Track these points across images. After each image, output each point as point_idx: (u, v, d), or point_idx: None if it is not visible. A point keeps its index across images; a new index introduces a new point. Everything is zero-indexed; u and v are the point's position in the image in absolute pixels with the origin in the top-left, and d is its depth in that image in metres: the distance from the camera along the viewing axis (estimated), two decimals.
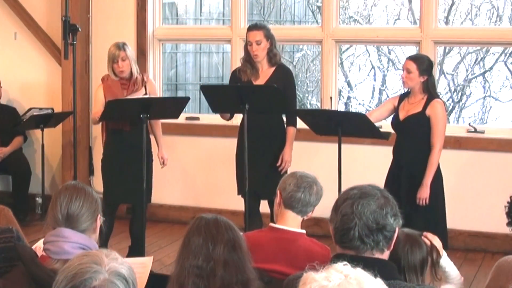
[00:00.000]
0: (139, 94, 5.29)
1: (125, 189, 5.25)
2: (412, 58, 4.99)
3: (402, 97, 5.07)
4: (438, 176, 4.94)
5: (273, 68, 5.25)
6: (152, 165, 5.42)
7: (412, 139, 4.89)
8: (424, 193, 4.85)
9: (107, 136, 5.37)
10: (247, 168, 5.01)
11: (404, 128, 4.93)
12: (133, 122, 5.23)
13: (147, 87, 5.37)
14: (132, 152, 5.20)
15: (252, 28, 5.29)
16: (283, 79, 5.20)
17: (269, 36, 5.22)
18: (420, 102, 4.92)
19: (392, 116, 5.10)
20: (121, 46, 5.27)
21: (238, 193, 5.26)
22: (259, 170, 5.06)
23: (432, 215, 4.94)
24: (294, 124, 5.26)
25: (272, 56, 5.24)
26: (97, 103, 5.32)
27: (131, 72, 5.30)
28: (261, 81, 5.22)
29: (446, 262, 3.01)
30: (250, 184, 5.00)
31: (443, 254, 3.00)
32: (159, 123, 5.57)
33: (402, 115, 4.96)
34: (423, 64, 4.91)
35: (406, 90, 5.12)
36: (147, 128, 5.39)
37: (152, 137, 5.52)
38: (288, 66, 6.80)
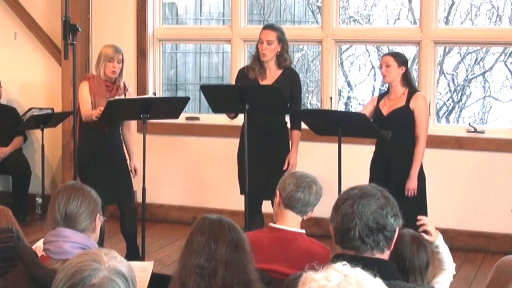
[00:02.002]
0: None
1: (107, 190, 5.21)
2: (388, 54, 5.21)
3: (381, 96, 5.20)
4: (421, 171, 5.04)
5: (281, 71, 5.26)
6: (127, 165, 5.43)
7: (397, 133, 4.94)
8: (412, 184, 4.97)
9: (84, 137, 5.27)
10: (249, 168, 5.03)
11: (388, 123, 4.98)
12: (113, 124, 5.24)
13: (126, 95, 5.37)
14: (109, 153, 5.23)
15: (267, 27, 5.30)
16: (290, 82, 5.21)
17: (281, 40, 5.22)
18: (401, 97, 5.04)
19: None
20: (119, 50, 5.30)
21: (241, 193, 5.26)
22: (261, 170, 5.07)
23: (420, 208, 5.00)
24: (299, 128, 5.26)
25: (282, 60, 5.24)
26: (86, 101, 5.24)
27: (116, 78, 5.31)
28: (267, 82, 5.21)
29: (441, 243, 2.99)
30: (252, 184, 5.01)
31: (439, 235, 2.99)
32: (131, 131, 5.56)
33: (385, 111, 5.05)
34: (400, 56, 5.09)
35: (386, 88, 5.19)
36: (120, 131, 5.43)
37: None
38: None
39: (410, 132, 4.99)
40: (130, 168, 5.47)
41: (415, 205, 4.94)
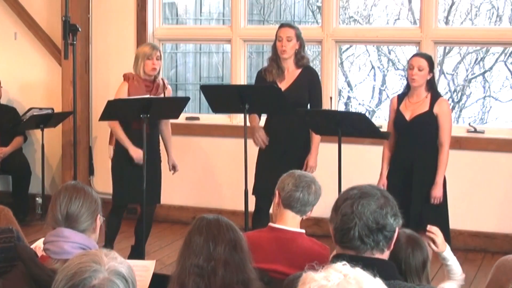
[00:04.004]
0: None
1: (137, 189, 5.22)
2: (422, 56, 4.98)
3: (401, 97, 5.03)
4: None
5: (300, 70, 5.24)
6: (161, 167, 5.42)
7: (420, 139, 4.87)
8: (438, 192, 4.86)
9: (128, 136, 5.29)
10: (266, 169, 5.13)
11: (412, 128, 4.89)
12: (151, 125, 5.24)
13: (165, 93, 5.39)
14: (147, 154, 5.22)
15: (284, 25, 5.31)
16: (309, 81, 5.21)
17: (299, 37, 5.21)
18: (424, 101, 4.91)
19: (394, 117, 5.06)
20: (157, 47, 5.36)
21: (252, 193, 5.27)
22: (278, 172, 5.05)
23: (443, 214, 4.96)
24: None
25: (300, 58, 5.23)
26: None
27: (156, 75, 5.33)
28: (286, 82, 5.21)
29: (449, 255, 2.99)
30: (266, 185, 5.00)
31: (447, 247, 2.99)
32: (169, 129, 5.55)
33: (408, 116, 4.93)
34: (432, 62, 4.95)
35: (403, 89, 5.10)
36: (158, 130, 5.42)
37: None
38: None
39: (433, 138, 4.89)
40: (168, 166, 5.49)
41: (438, 212, 4.88)
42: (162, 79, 5.44)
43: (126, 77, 5.36)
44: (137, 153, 5.20)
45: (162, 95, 5.35)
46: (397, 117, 4.98)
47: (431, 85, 4.93)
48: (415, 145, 4.88)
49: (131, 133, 5.28)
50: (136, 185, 5.18)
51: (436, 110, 4.87)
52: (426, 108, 4.89)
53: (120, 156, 5.34)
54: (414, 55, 5.03)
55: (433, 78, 4.94)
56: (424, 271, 2.85)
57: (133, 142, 5.26)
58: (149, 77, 5.30)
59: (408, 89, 4.99)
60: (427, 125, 4.88)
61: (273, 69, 5.22)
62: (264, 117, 5.47)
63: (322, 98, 5.40)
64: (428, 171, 4.88)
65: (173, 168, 5.56)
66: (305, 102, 5.21)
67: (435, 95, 4.92)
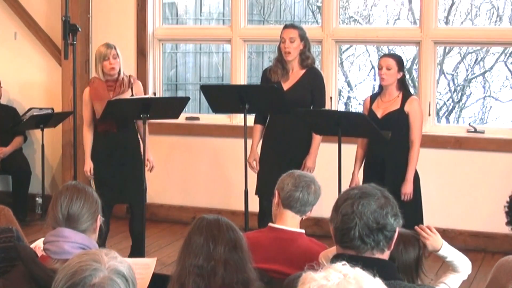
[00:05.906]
0: (126, 96, 5.27)
1: (118, 190, 5.25)
2: (389, 55, 5.16)
3: (374, 97, 5.15)
4: (415, 174, 5.03)
5: (304, 71, 5.24)
6: (142, 167, 5.41)
7: (392, 136, 4.92)
8: (408, 188, 4.95)
9: (95, 139, 5.33)
10: (266, 169, 5.15)
11: (383, 126, 4.95)
12: (120, 124, 5.24)
13: (133, 88, 5.35)
14: (121, 153, 5.22)
15: (287, 26, 5.29)
16: (312, 82, 5.21)
17: (303, 38, 5.20)
18: (396, 100, 5.02)
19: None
20: (111, 46, 5.29)
21: (255, 193, 5.29)
22: (281, 172, 5.06)
23: (417, 211, 5.02)
24: None
25: (304, 58, 5.22)
26: (84, 107, 5.31)
27: (118, 73, 5.30)
28: (289, 83, 5.21)
29: (446, 252, 2.97)
30: (268, 186, 5.00)
31: (443, 244, 2.96)
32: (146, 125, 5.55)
33: (379, 113, 5.03)
34: (401, 61, 5.07)
35: (377, 90, 5.18)
36: (136, 129, 5.41)
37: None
38: None
39: (404, 136, 4.97)
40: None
41: (410, 209, 4.92)
42: (130, 76, 5.42)
43: (89, 83, 5.40)
44: (87, 166, 5.31)
45: (128, 92, 5.30)
46: (369, 116, 5.05)
47: (402, 84, 5.05)
48: (386, 143, 4.92)
49: (97, 136, 5.31)
50: (120, 185, 5.22)
51: (407, 108, 4.98)
52: (397, 106, 5.00)
53: (98, 157, 5.32)
54: (382, 56, 5.22)
55: (403, 77, 5.05)
56: (419, 268, 2.82)
57: (99, 144, 5.30)
58: (110, 77, 5.29)
59: (381, 89, 5.10)
60: (398, 122, 4.98)
61: (278, 69, 5.23)
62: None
63: (325, 99, 5.40)
64: (399, 168, 4.97)
65: (148, 162, 5.38)
66: (307, 103, 5.20)
67: (406, 94, 5.03)
